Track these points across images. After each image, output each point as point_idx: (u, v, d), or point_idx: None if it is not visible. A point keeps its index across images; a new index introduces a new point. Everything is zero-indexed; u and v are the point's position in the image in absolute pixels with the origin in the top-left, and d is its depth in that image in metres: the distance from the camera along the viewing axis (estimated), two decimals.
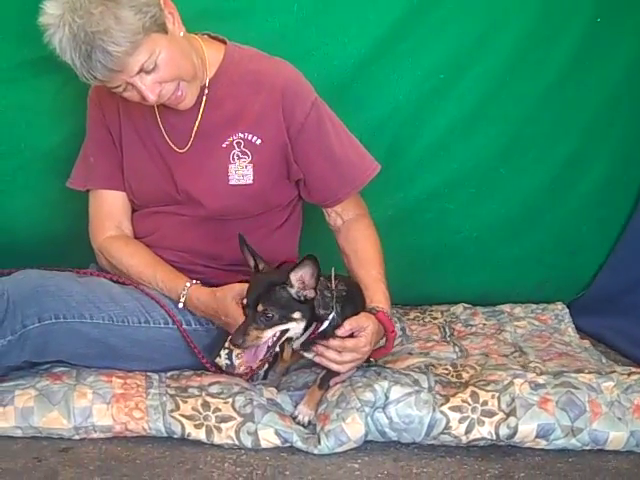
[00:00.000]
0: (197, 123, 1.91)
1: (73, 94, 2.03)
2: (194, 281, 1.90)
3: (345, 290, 1.80)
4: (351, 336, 1.76)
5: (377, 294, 1.88)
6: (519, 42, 2.22)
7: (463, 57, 2.21)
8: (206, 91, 1.90)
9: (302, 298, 1.70)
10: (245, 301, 1.70)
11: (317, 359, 1.79)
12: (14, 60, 2.05)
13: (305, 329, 1.73)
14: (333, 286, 1.76)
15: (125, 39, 1.68)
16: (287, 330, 1.71)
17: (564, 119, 2.32)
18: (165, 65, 1.76)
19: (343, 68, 2.16)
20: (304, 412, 1.79)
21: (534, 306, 2.49)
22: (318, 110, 1.91)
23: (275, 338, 1.70)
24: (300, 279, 1.69)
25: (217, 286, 1.94)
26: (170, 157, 1.94)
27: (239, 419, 1.74)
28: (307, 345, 1.78)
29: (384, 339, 1.87)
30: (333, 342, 1.75)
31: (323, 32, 2.13)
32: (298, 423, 1.77)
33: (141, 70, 1.74)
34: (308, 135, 1.90)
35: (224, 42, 1.95)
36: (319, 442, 1.71)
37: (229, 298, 1.80)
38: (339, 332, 1.75)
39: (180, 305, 1.89)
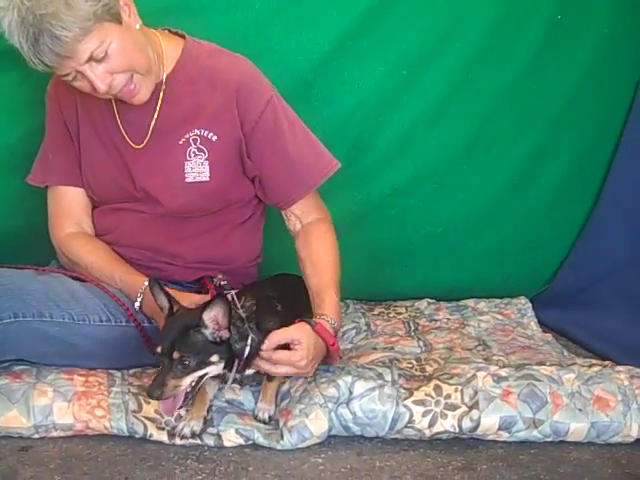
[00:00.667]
0: (154, 120, 1.89)
1: (32, 90, 2.00)
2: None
3: (254, 303, 1.74)
4: (286, 347, 1.71)
5: (325, 301, 1.81)
6: (481, 39, 2.24)
7: (426, 53, 2.22)
8: (163, 87, 1.88)
9: (218, 339, 1.64)
10: (159, 349, 1.62)
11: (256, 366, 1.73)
12: None
13: (225, 367, 1.67)
14: (241, 311, 1.70)
15: (74, 24, 1.66)
16: (206, 374, 1.65)
17: (526, 115, 2.34)
18: (117, 55, 1.73)
19: (306, 64, 2.16)
20: (263, 409, 1.77)
21: (497, 301, 2.51)
22: (274, 108, 1.89)
23: (194, 384, 1.63)
24: (213, 319, 1.62)
25: (180, 284, 1.94)
26: (127, 153, 1.91)
27: None
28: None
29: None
30: (262, 354, 1.69)
31: (285, 28, 2.12)
32: (259, 420, 1.76)
33: (91, 58, 1.71)
34: (262, 133, 1.88)
35: (184, 37, 1.93)
36: (282, 438, 1.70)
37: (185, 303, 1.74)
38: (263, 347, 1.68)
39: (137, 303, 1.86)
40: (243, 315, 1.69)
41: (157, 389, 1.59)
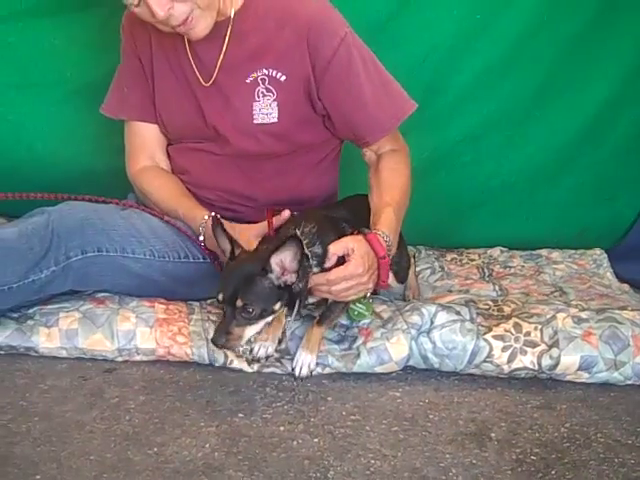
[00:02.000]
0: (221, 56, 1.85)
1: (118, 27, 1.98)
2: (212, 213, 1.84)
3: (314, 225, 1.65)
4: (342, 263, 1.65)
5: (381, 217, 1.74)
6: None
7: None
8: (231, 23, 1.84)
9: (282, 284, 1.56)
10: (221, 296, 1.55)
11: (317, 294, 1.67)
12: None
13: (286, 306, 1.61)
14: (305, 246, 1.58)
15: None
16: (269, 321, 1.60)
17: (600, 60, 2.28)
18: None
19: (380, 6, 2.14)
20: (303, 360, 1.68)
21: (572, 251, 2.45)
22: (348, 47, 1.82)
23: (258, 332, 1.59)
24: (280, 263, 1.54)
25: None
26: (199, 90, 1.90)
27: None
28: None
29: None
30: (317, 279, 1.62)
31: None
32: (296, 377, 1.68)
33: None
34: (335, 73, 1.82)
35: None
36: (359, 357, 1.70)
37: (251, 236, 1.74)
38: (327, 264, 1.63)
39: (201, 237, 1.84)
40: (307, 251, 1.60)
41: (221, 337, 1.54)
